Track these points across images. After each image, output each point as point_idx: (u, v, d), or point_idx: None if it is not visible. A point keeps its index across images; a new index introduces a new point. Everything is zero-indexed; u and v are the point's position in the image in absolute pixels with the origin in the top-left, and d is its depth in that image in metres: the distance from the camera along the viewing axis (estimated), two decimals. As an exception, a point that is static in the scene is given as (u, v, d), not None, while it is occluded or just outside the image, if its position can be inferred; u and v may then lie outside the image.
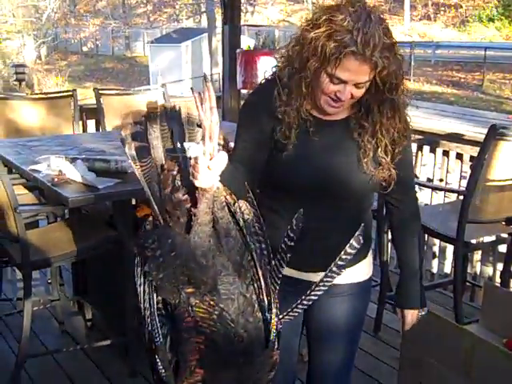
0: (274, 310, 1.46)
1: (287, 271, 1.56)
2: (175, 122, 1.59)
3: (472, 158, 3.42)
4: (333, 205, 1.68)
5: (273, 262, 1.48)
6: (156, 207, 1.46)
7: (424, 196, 4.22)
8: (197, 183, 1.40)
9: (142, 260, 1.45)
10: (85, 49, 26.90)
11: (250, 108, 1.70)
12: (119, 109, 4.20)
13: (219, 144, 1.48)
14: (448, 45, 24.28)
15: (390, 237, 3.74)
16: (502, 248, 3.41)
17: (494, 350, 2.03)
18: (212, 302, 1.40)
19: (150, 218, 1.49)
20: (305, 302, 1.53)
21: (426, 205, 3.98)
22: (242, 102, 4.85)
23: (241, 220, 1.46)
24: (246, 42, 6.20)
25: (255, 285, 1.45)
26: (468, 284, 3.66)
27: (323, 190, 1.65)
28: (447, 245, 3.86)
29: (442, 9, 28.98)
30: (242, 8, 18.70)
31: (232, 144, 1.68)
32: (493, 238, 3.24)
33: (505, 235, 3.07)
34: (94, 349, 2.99)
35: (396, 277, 3.87)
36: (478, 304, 3.26)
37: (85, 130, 4.56)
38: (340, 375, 1.92)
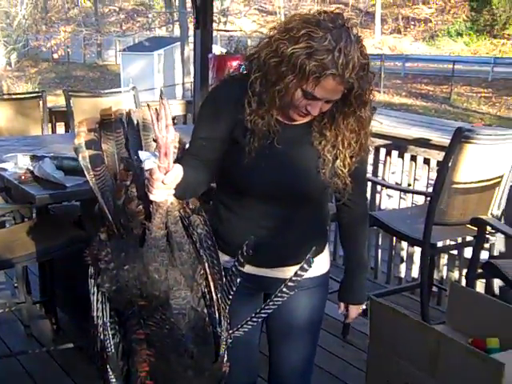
0: (224, 325, 1.47)
1: (246, 268, 1.55)
2: (130, 128, 1.58)
3: (439, 164, 3.47)
4: (289, 206, 1.70)
5: (224, 281, 1.49)
6: (110, 217, 1.46)
7: (392, 202, 4.26)
8: (151, 197, 1.39)
9: (96, 271, 1.45)
10: (56, 56, 26.63)
11: (212, 105, 1.67)
12: (89, 111, 4.16)
13: (175, 147, 1.50)
14: (417, 58, 24.73)
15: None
16: (468, 253, 3.46)
17: (459, 348, 2.05)
18: (163, 317, 1.41)
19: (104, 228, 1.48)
20: (254, 319, 1.55)
21: (395, 209, 4.02)
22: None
23: (194, 234, 1.47)
24: (219, 50, 6.22)
25: (207, 297, 1.47)
26: (435, 290, 3.70)
27: (281, 193, 1.67)
28: (415, 250, 3.91)
29: (412, 23, 29.48)
30: (215, 18, 18.78)
31: (188, 145, 1.67)
32: (459, 240, 3.29)
33: (470, 238, 3.12)
34: (61, 352, 2.96)
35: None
36: (445, 308, 3.30)
37: (54, 132, 4.52)
38: (302, 371, 1.93)
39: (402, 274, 4.09)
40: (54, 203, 2.86)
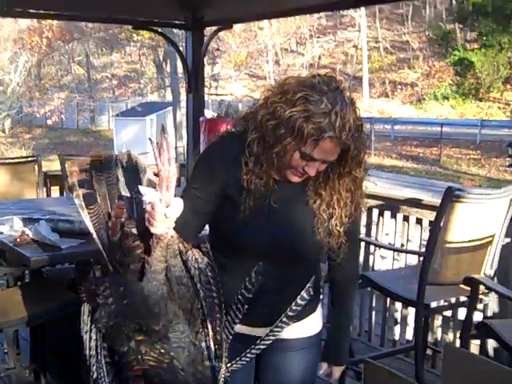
0: (223, 359, 1.48)
1: (238, 328, 1.57)
2: (123, 170, 1.62)
3: (431, 223, 3.50)
4: (283, 264, 1.70)
5: (224, 313, 1.50)
6: (105, 254, 1.47)
7: (386, 263, 4.26)
8: (153, 230, 1.40)
9: (90, 307, 1.46)
10: (49, 122, 26.96)
11: (208, 161, 1.70)
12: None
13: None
14: (406, 121, 25.17)
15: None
16: (462, 315, 3.45)
17: (456, 409, 2.03)
18: (163, 351, 1.41)
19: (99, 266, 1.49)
20: (253, 351, 1.56)
21: (388, 270, 4.02)
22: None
23: (192, 268, 1.48)
24: (210, 114, 6.32)
25: (203, 333, 1.47)
26: (429, 353, 3.66)
27: (275, 252, 1.68)
28: (409, 312, 3.89)
29: (399, 87, 30.17)
30: (207, 83, 19.15)
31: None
32: (453, 301, 3.29)
33: (464, 298, 3.11)
34: (51, 419, 2.89)
35: (357, 344, 3.87)
36: (439, 371, 3.26)
37: (49, 195, 4.55)
38: None
39: (397, 337, 4.06)
40: (49, 265, 2.86)
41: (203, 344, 1.47)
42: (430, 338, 3.68)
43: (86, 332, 1.46)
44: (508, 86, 26.43)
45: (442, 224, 2.85)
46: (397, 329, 4.06)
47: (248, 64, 27.63)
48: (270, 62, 31.12)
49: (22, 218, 2.71)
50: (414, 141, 23.30)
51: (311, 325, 1.82)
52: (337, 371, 1.90)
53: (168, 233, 1.43)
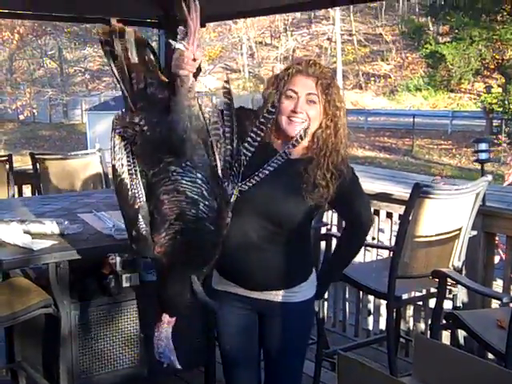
0: (235, 179, 1.82)
1: (239, 291, 2.01)
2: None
3: (400, 217, 3.55)
4: (277, 228, 1.96)
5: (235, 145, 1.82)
6: (130, 100, 1.80)
7: (358, 255, 4.31)
8: (181, 72, 1.73)
9: (121, 139, 1.79)
10: (21, 117, 26.57)
11: None
12: (56, 173, 4.19)
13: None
14: (379, 112, 25.33)
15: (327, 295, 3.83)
16: (433, 304, 3.52)
17: (425, 399, 2.08)
18: (190, 168, 1.75)
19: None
20: (266, 171, 1.85)
21: (360, 263, 4.08)
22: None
23: (207, 108, 1.81)
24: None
25: (216, 157, 1.79)
26: (403, 341, 3.73)
27: (267, 215, 1.94)
28: (381, 302, 3.95)
29: (373, 79, 30.31)
30: (180, 77, 19.02)
31: None
32: (423, 292, 3.35)
33: (434, 290, 3.18)
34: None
35: (333, 335, 3.93)
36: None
37: (21, 195, 4.51)
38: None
39: (370, 327, 4.12)
40: (22, 267, 2.85)
41: (216, 163, 1.79)
42: (402, 327, 3.75)
43: (119, 159, 1.78)
44: (478, 78, 26.70)
45: (410, 218, 2.91)
46: (370, 319, 4.13)
47: (222, 57, 27.53)
48: (244, 55, 31.04)
49: (-6, 219, 2.70)
50: (386, 132, 23.49)
51: (304, 292, 2.09)
52: None
53: (191, 76, 1.75)
